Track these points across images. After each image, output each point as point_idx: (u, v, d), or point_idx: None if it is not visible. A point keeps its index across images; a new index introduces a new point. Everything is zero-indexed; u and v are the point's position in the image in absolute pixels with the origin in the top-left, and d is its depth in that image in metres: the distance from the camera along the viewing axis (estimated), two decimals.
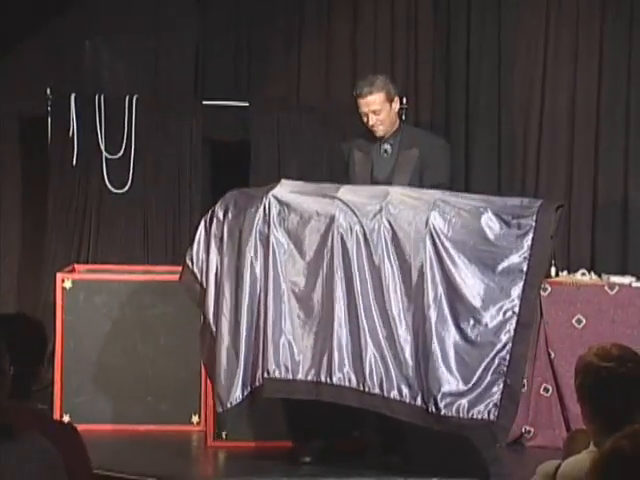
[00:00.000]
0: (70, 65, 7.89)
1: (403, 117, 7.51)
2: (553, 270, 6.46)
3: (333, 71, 7.96)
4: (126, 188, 7.63)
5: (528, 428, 6.19)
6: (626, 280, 6.33)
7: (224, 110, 7.78)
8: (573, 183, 7.70)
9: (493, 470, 5.49)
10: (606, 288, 6.23)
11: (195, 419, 6.46)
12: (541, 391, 6.19)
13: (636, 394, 3.00)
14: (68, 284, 6.46)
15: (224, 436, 6.08)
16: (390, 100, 5.75)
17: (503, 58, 7.74)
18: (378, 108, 5.71)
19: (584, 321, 6.17)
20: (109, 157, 7.60)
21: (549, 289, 6.20)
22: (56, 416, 6.22)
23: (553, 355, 6.15)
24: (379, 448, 5.83)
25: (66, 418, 6.26)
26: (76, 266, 7.08)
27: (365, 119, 5.75)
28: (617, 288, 6.22)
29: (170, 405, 6.44)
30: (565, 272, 6.61)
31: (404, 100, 7.61)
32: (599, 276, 6.52)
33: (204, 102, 7.72)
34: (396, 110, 5.81)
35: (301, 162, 7.59)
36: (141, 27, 7.96)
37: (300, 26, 7.96)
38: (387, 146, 5.79)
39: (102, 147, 7.57)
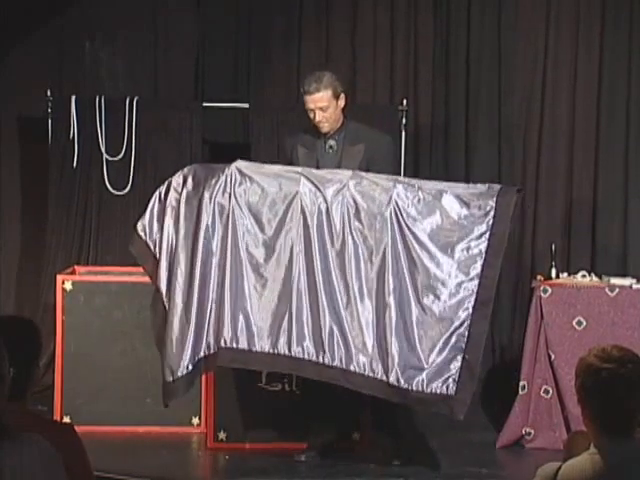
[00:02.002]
0: (70, 67, 7.89)
1: (404, 121, 7.54)
2: (554, 272, 6.46)
3: (332, 73, 7.94)
4: (126, 190, 7.62)
5: (528, 430, 6.18)
6: (626, 282, 6.33)
7: (224, 112, 7.78)
8: (573, 185, 7.70)
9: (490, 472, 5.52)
10: (606, 290, 6.23)
11: (195, 421, 6.46)
12: (541, 393, 6.19)
13: (637, 396, 2.99)
14: (68, 285, 6.46)
15: (224, 438, 6.08)
16: (337, 97, 5.76)
17: (503, 58, 7.74)
18: (325, 105, 5.72)
19: (584, 323, 6.17)
20: (109, 159, 7.59)
21: (549, 291, 6.20)
22: (56, 417, 6.22)
23: (553, 357, 6.15)
24: (379, 449, 5.84)
25: (66, 419, 6.27)
26: (76, 268, 7.09)
27: (312, 115, 5.75)
28: (617, 290, 6.22)
29: (170, 407, 6.42)
30: (565, 274, 6.61)
31: (404, 102, 7.62)
32: (599, 278, 6.51)
33: (204, 104, 7.71)
34: (342, 107, 5.81)
35: None
36: (141, 29, 7.96)
37: (299, 27, 7.95)
38: (332, 142, 5.80)
39: (102, 149, 7.57)
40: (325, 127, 5.76)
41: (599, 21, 7.63)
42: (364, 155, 5.69)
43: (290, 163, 5.79)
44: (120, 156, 7.59)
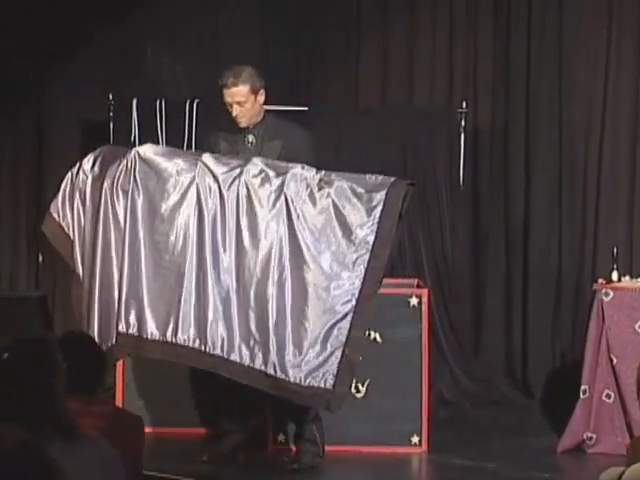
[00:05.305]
0: (132, 70, 7.95)
1: (463, 123, 7.51)
2: (615, 275, 6.39)
3: (390, 76, 7.95)
4: None
5: (590, 435, 6.13)
6: None
7: (283, 115, 7.78)
8: (635, 188, 7.62)
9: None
10: None
11: None
12: (603, 397, 6.13)
13: None
14: None
15: (283, 440, 6.09)
16: (255, 92, 5.75)
17: (564, 59, 7.67)
18: (242, 100, 5.71)
19: None
20: None
21: (611, 294, 6.14)
22: None
23: (615, 361, 6.08)
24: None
25: None
26: None
27: (230, 109, 5.74)
28: None
29: None
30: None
31: (463, 104, 7.58)
32: None
33: (264, 107, 7.72)
34: (261, 102, 5.80)
35: (359, 166, 7.56)
36: (202, 31, 8.00)
37: (358, 29, 7.96)
38: (251, 137, 5.79)
39: None
40: (243, 122, 5.76)
41: None
42: (282, 150, 5.68)
43: None
44: None
